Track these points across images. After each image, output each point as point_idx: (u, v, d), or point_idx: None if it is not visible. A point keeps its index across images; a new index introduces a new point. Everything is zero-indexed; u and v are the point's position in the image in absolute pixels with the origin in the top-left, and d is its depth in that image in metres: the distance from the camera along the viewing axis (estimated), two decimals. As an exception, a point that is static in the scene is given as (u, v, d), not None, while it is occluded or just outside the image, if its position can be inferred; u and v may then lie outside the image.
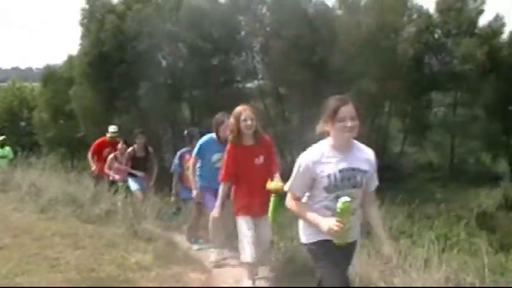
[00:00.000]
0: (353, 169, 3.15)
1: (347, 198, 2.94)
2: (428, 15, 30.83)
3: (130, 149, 8.42)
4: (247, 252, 4.56)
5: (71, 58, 34.38)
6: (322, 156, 3.13)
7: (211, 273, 5.02)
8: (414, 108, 30.84)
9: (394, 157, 30.85)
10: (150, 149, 8.70)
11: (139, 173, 8.24)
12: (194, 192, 5.96)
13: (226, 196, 4.99)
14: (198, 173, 5.96)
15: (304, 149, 3.25)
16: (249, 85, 33.27)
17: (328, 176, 3.09)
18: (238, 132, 4.64)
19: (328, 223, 2.95)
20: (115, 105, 28.69)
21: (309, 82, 28.14)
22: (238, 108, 4.68)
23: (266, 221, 4.73)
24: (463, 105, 30.22)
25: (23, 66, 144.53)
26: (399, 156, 31.20)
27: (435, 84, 29.93)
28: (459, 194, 24.83)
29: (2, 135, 15.24)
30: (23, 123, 38.83)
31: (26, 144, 29.07)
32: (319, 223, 3.03)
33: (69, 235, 5.91)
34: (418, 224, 9.30)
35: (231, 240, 5.77)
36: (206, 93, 30.16)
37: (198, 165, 5.95)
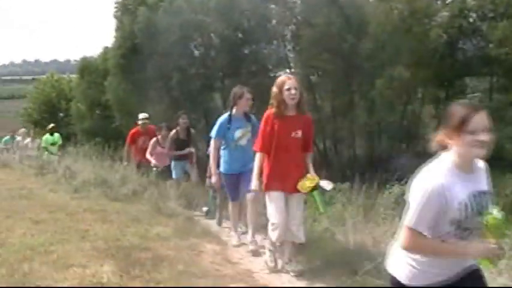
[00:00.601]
0: (484, 193, 2.57)
1: (498, 212, 2.44)
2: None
3: (173, 132, 8.36)
4: (274, 235, 4.40)
5: (106, 50, 35.15)
6: (450, 178, 2.48)
7: (227, 245, 5.24)
8: (448, 94, 30.37)
9: (427, 144, 30.53)
10: (192, 130, 8.72)
11: (183, 152, 8.20)
12: (213, 179, 5.73)
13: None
14: (222, 158, 5.63)
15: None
16: (280, 73, 33.37)
17: (459, 204, 2.44)
18: (280, 102, 4.45)
19: (484, 245, 2.40)
20: (148, 95, 29.20)
21: (340, 70, 28.11)
22: (282, 77, 4.60)
23: (299, 198, 4.52)
24: (499, 91, 29.57)
25: (61, 59, 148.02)
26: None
27: (469, 70, 29.35)
28: (495, 180, 24.31)
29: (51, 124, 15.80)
30: (61, 114, 39.80)
31: (63, 134, 29.90)
32: (467, 249, 2.44)
33: (98, 211, 6.36)
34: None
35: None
36: (238, 83, 30.28)
37: (222, 147, 5.60)
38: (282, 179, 4.47)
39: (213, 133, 5.63)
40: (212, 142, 5.64)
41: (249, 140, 5.53)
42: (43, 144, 13.54)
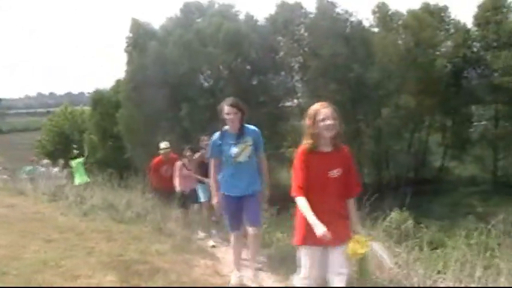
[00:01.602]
0: None
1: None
2: (466, 30, 30.93)
3: (197, 154, 8.18)
4: (302, 283, 3.78)
5: (118, 83, 36.11)
6: None
7: (218, 260, 5.70)
8: (454, 122, 30.80)
9: (435, 171, 30.82)
10: None
11: (207, 180, 7.35)
12: (214, 200, 5.08)
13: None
14: (221, 177, 5.02)
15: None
16: (288, 103, 34.01)
17: None
18: (315, 136, 3.68)
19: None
20: (159, 126, 29.87)
21: (347, 99, 28.61)
22: (315, 106, 3.75)
23: (340, 249, 3.74)
24: (505, 118, 29.97)
25: (75, 91, 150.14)
26: (439, 171, 31.12)
27: (474, 98, 29.87)
28: (502, 207, 24.55)
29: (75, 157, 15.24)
30: (74, 146, 40.48)
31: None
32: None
33: (104, 231, 6.86)
34: (454, 237, 9.33)
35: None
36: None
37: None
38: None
39: (208, 153, 5.24)
40: (211, 162, 5.09)
41: (250, 157, 4.91)
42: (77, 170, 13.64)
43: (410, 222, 7.77)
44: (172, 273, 4.33)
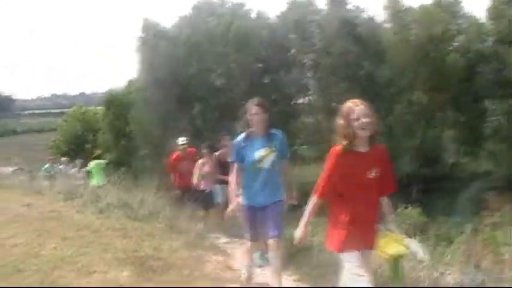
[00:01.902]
0: None
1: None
2: (479, 24, 30.68)
3: (216, 153, 8.16)
4: None
5: (130, 83, 36.35)
6: None
7: (230, 256, 5.81)
8: (467, 117, 30.59)
9: (447, 168, 30.67)
10: None
11: (228, 179, 7.57)
12: (231, 206, 4.72)
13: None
14: (241, 185, 4.68)
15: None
16: (300, 101, 34.03)
17: None
18: (350, 136, 3.50)
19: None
20: (171, 126, 30.03)
21: (359, 96, 28.47)
22: (348, 104, 3.58)
23: (371, 252, 3.65)
24: (519, 113, 29.68)
25: (88, 92, 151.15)
26: (452, 167, 30.95)
27: (488, 93, 29.59)
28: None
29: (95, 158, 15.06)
30: (88, 146, 40.81)
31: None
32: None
33: (119, 229, 7.05)
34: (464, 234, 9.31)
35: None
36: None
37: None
38: (355, 235, 3.51)
39: (232, 156, 4.78)
40: (234, 166, 4.71)
41: (274, 164, 4.57)
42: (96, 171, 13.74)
43: (421, 218, 7.84)
44: (185, 268, 4.43)
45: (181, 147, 9.75)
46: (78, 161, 16.94)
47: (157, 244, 6.10)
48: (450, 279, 4.12)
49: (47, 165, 16.59)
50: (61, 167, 16.72)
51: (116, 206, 8.67)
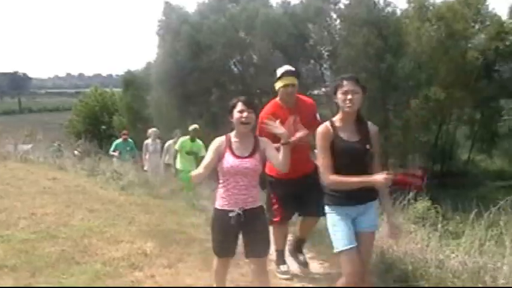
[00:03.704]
0: None
1: None
2: (500, 22, 30.49)
3: None
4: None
5: (148, 65, 36.52)
6: None
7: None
8: (483, 115, 30.54)
9: (461, 164, 30.70)
10: None
11: None
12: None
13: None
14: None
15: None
16: (316, 92, 34.09)
17: None
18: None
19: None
20: (189, 110, 30.29)
21: (377, 89, 28.55)
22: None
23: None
24: (535, 113, 29.57)
25: (104, 73, 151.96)
26: (466, 164, 30.98)
27: (505, 92, 29.45)
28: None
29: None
30: (103, 127, 41.17)
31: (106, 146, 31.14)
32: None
33: (142, 205, 7.42)
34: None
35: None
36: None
37: None
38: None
39: None
40: None
41: None
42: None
43: (431, 211, 8.03)
44: (207, 242, 4.70)
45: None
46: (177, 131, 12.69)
47: (179, 220, 6.45)
48: (454, 262, 4.36)
49: (118, 140, 14.13)
50: (148, 141, 13.77)
51: (138, 184, 9.04)
